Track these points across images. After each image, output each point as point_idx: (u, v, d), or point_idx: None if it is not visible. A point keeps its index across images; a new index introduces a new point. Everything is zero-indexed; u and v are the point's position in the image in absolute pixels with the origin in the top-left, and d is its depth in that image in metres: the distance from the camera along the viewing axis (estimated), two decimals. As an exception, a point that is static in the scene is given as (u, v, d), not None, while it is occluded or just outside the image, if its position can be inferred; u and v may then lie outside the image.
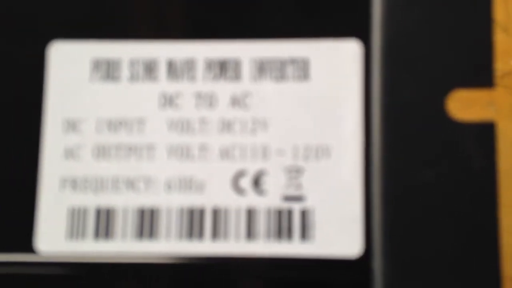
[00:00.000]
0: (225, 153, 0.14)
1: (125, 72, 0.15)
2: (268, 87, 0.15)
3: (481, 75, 0.14)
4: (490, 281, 0.13)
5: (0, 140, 0.15)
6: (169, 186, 0.14)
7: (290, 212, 0.14)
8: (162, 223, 0.14)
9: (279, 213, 0.14)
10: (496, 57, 0.15)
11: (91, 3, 0.15)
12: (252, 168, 0.14)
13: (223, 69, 0.15)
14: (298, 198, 0.14)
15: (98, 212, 0.14)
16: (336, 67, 0.15)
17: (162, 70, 0.15)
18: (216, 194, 0.14)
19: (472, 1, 0.15)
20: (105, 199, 0.14)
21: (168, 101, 0.15)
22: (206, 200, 0.14)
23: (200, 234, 0.14)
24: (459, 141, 0.14)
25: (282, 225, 0.14)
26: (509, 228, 0.14)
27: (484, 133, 0.14)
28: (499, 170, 0.14)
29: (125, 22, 0.15)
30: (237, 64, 0.15)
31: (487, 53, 0.14)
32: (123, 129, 0.14)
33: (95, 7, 0.15)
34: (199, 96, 0.15)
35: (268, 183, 0.14)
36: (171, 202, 0.14)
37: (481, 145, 0.14)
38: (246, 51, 0.15)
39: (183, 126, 0.15)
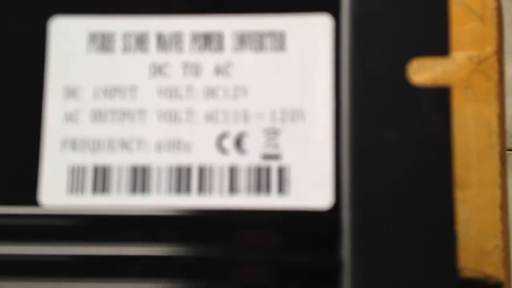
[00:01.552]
0: (210, 117, 0.15)
1: (118, 44, 0.15)
2: (248, 57, 0.15)
3: (437, 45, 0.15)
4: (444, 225, 0.14)
5: (6, 106, 0.15)
6: (159, 147, 0.15)
7: (268, 169, 0.15)
8: (153, 180, 0.15)
9: (259, 170, 0.15)
10: (473, 44, 0.15)
11: None
12: (234, 130, 0.15)
13: (208, 41, 0.15)
14: (275, 157, 0.15)
15: (96, 170, 0.15)
16: (309, 40, 0.15)
17: (152, 42, 0.15)
18: (202, 154, 0.15)
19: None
20: (102, 158, 0.15)
21: (158, 70, 0.15)
22: (192, 159, 0.15)
23: (188, 189, 0.15)
24: (418, 103, 0.15)
25: (261, 181, 0.15)
26: (462, 182, 0.15)
27: (440, 96, 0.15)
28: (453, 129, 0.15)
29: (118, -2, 0.16)
30: (220, 37, 0.15)
31: (443, 25, 0.15)
32: (117, 96, 0.15)
33: None
34: (185, 65, 0.15)
35: (248, 143, 0.15)
36: (161, 161, 0.15)
37: (437, 107, 0.15)
38: (228, 25, 0.15)
39: (171, 92, 0.15)
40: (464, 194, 0.15)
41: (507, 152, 0.16)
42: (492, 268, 0.15)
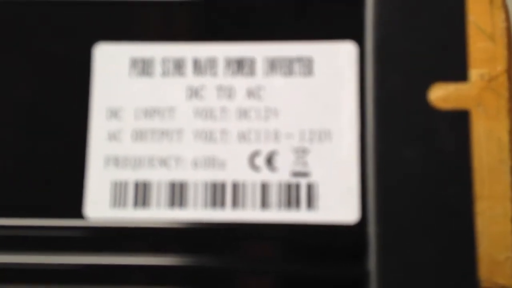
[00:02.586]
0: (242, 137, 0.16)
1: (158, 68, 0.16)
2: (278, 81, 0.16)
3: (455, 68, 0.16)
4: (464, 238, 0.15)
5: (55, 126, 0.16)
6: (195, 164, 0.16)
7: (297, 186, 0.15)
8: (190, 195, 0.15)
9: (289, 186, 0.15)
10: (484, 63, 0.16)
11: (129, 12, 0.16)
12: (265, 148, 0.16)
13: (240, 66, 0.16)
14: (304, 174, 0.15)
15: (137, 185, 0.15)
16: (335, 65, 0.16)
17: (189, 67, 0.16)
18: (235, 171, 0.15)
19: (455, 9, 0.16)
20: (142, 175, 0.15)
21: (194, 93, 0.16)
22: (226, 176, 0.15)
23: (222, 204, 0.15)
24: (437, 124, 0.16)
25: (291, 197, 0.15)
26: (475, 196, 0.16)
27: (458, 117, 0.15)
28: (472, 149, 0.16)
29: (157, 26, 0.16)
30: (252, 62, 0.16)
31: (462, 53, 0.16)
32: (156, 116, 0.16)
33: (132, 14, 0.16)
34: (220, 88, 0.16)
35: (279, 161, 0.15)
36: (197, 177, 0.15)
37: (455, 128, 0.16)
38: (260, 51, 0.16)
39: (207, 113, 0.16)
40: (477, 207, 0.15)
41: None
42: (504, 279, 0.15)
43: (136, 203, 0.15)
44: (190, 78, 0.16)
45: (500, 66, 0.16)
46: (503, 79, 0.16)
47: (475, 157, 0.15)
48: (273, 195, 0.15)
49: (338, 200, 0.15)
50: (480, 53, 0.16)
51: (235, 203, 0.15)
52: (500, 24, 0.16)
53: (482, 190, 0.15)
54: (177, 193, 0.15)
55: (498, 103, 0.16)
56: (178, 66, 0.16)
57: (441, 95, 0.16)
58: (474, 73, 0.16)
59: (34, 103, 0.16)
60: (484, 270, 0.15)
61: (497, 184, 0.15)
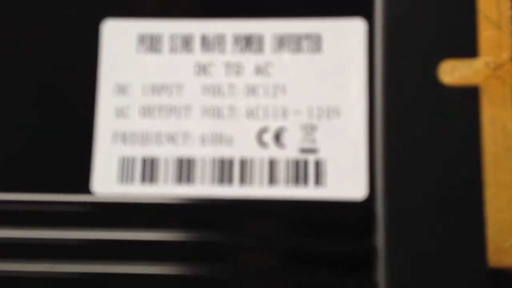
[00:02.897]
0: (250, 113, 0.16)
1: (165, 45, 0.16)
2: (286, 58, 0.16)
3: (464, 47, 0.16)
4: (473, 224, 0.15)
5: (62, 102, 0.16)
6: (203, 140, 0.16)
7: (306, 162, 0.15)
8: (198, 171, 0.15)
9: (297, 163, 0.15)
10: (490, 51, 0.16)
11: None
12: (273, 125, 0.16)
13: (248, 43, 0.16)
14: (312, 151, 0.15)
15: (144, 161, 0.15)
16: (344, 42, 0.16)
17: (197, 43, 0.16)
18: (243, 147, 0.15)
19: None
20: (150, 151, 0.15)
21: (202, 69, 0.16)
22: (234, 152, 0.15)
23: (230, 180, 0.15)
24: (447, 101, 0.15)
25: (299, 173, 0.15)
26: (487, 182, 0.15)
27: (468, 95, 0.15)
28: (481, 124, 0.16)
29: (165, 3, 0.16)
30: (260, 39, 0.16)
31: (471, 29, 0.16)
32: (164, 93, 0.16)
33: None
34: (228, 65, 0.16)
35: (287, 138, 0.15)
36: (205, 153, 0.15)
37: (465, 105, 0.15)
38: (268, 27, 0.16)
39: (215, 90, 0.16)
40: (483, 195, 0.15)
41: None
42: (510, 264, 0.15)
43: (143, 179, 0.15)
44: (198, 55, 0.16)
45: (506, 54, 0.16)
46: (509, 67, 0.16)
47: (483, 144, 0.15)
48: (281, 172, 0.15)
49: (346, 176, 0.15)
50: (486, 41, 0.16)
51: (242, 180, 0.15)
52: (506, 12, 0.16)
53: (488, 178, 0.15)
54: (185, 169, 0.15)
55: (504, 90, 0.15)
56: (186, 42, 0.16)
57: (451, 70, 0.16)
58: (480, 60, 0.16)
59: (43, 80, 0.16)
60: (490, 257, 0.15)
61: (503, 172, 0.15)
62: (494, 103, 0.15)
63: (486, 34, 0.16)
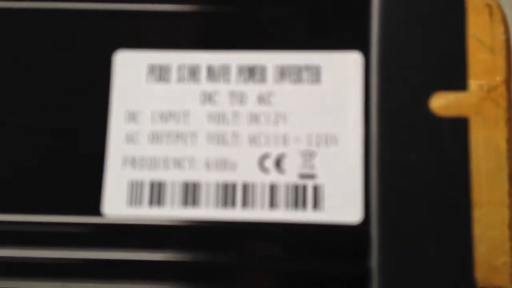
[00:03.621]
0: (253, 140, 0.16)
1: (173, 75, 0.17)
2: (287, 88, 0.16)
3: (456, 79, 0.16)
4: (462, 242, 0.15)
5: (76, 127, 0.16)
6: (208, 165, 0.16)
7: (304, 187, 0.16)
8: (203, 194, 0.16)
9: (296, 188, 0.16)
10: (484, 74, 0.16)
11: (147, 21, 0.17)
12: (274, 151, 0.16)
13: (252, 73, 0.17)
14: (311, 176, 0.16)
15: (152, 185, 0.16)
16: (342, 73, 0.16)
17: (203, 73, 0.17)
18: (245, 172, 0.16)
19: (456, 23, 0.17)
20: (158, 175, 0.16)
21: (208, 98, 0.16)
22: (237, 177, 0.16)
23: (233, 204, 0.16)
24: (438, 131, 0.16)
25: (298, 198, 0.16)
26: (474, 202, 0.16)
27: (458, 125, 0.16)
28: (471, 155, 0.16)
29: (174, 35, 0.17)
30: (263, 70, 0.17)
31: (462, 59, 0.16)
32: (172, 120, 0.16)
33: (150, 24, 0.17)
34: (232, 94, 0.16)
35: (287, 164, 0.16)
36: (209, 178, 0.16)
37: (455, 134, 0.16)
38: (270, 59, 0.17)
39: (219, 118, 0.16)
40: (476, 213, 0.15)
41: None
42: (501, 283, 0.15)
43: (151, 202, 0.16)
44: (204, 84, 0.16)
45: (499, 77, 0.16)
46: (502, 89, 0.16)
47: (475, 165, 0.16)
48: (281, 196, 0.16)
49: (343, 201, 0.16)
50: (480, 64, 0.16)
51: (245, 203, 0.16)
52: (500, 36, 0.16)
53: (480, 197, 0.16)
54: (190, 193, 0.16)
55: (497, 112, 0.16)
56: (193, 72, 0.17)
57: (442, 103, 0.16)
58: (474, 83, 0.16)
59: (58, 106, 0.17)
60: (482, 274, 0.15)
61: (495, 191, 0.16)
62: (487, 124, 0.16)
63: (480, 57, 0.16)
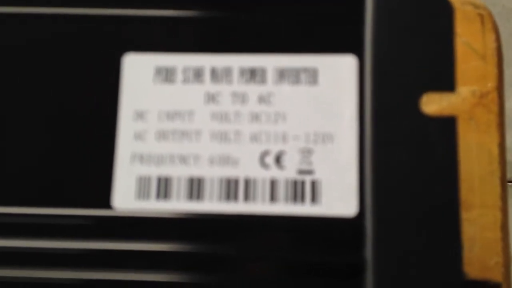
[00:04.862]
0: (254, 138, 0.17)
1: (179, 76, 0.17)
2: (286, 89, 0.17)
3: (444, 82, 0.17)
4: (450, 241, 0.16)
5: (88, 126, 0.17)
6: (211, 162, 0.16)
7: (303, 183, 0.16)
8: (207, 189, 0.16)
9: (295, 183, 0.16)
10: (476, 80, 0.16)
11: (154, 25, 0.17)
12: (274, 149, 0.17)
13: (253, 75, 0.17)
14: (309, 172, 0.16)
15: (159, 180, 0.16)
16: (338, 75, 0.17)
17: (207, 75, 0.17)
18: (247, 168, 0.16)
19: (446, 30, 0.17)
20: (164, 170, 0.16)
21: (211, 98, 0.17)
22: (239, 173, 0.16)
23: (235, 198, 0.16)
24: (428, 130, 0.16)
25: (297, 192, 0.16)
26: (467, 204, 0.16)
27: (447, 125, 0.16)
28: (459, 156, 0.17)
29: (180, 39, 0.17)
30: (263, 72, 0.17)
31: (450, 63, 0.17)
32: (177, 119, 0.17)
33: (157, 28, 0.17)
34: (234, 95, 0.17)
35: (286, 160, 0.16)
36: (213, 174, 0.16)
37: (444, 134, 0.16)
38: (270, 62, 0.17)
39: (222, 117, 0.17)
40: (469, 214, 0.16)
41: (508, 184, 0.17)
42: (493, 282, 0.16)
43: (158, 196, 0.16)
44: (208, 85, 0.17)
45: (491, 84, 0.16)
46: (494, 95, 0.16)
47: (467, 168, 0.16)
48: (281, 191, 0.16)
49: (339, 195, 0.16)
50: (472, 71, 0.16)
51: (246, 197, 0.16)
52: (491, 44, 0.17)
53: (473, 199, 0.16)
54: (195, 188, 0.16)
55: (489, 118, 0.16)
56: (197, 74, 0.17)
57: (433, 105, 0.17)
58: (466, 89, 0.16)
59: (70, 105, 0.17)
60: (475, 273, 0.16)
61: (487, 194, 0.16)
62: (480, 129, 0.16)
63: (472, 64, 0.16)
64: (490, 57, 0.16)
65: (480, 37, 0.16)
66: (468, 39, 0.16)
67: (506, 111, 0.17)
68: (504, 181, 0.16)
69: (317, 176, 0.16)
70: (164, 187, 0.16)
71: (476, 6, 0.17)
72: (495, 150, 0.16)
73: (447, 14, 0.17)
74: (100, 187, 0.16)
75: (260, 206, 0.16)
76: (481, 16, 0.17)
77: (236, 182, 0.16)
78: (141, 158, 0.17)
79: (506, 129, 0.17)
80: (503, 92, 0.17)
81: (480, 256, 0.15)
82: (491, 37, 0.16)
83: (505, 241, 0.16)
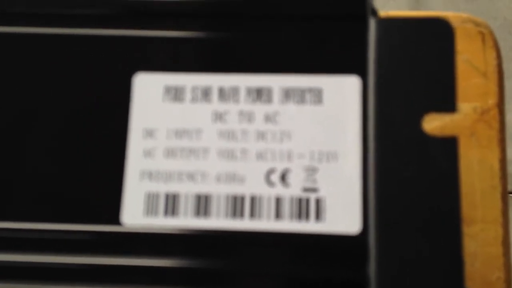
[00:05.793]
0: (260, 156, 0.17)
1: (187, 95, 0.17)
2: (292, 108, 0.17)
3: (446, 101, 0.17)
4: (452, 256, 0.16)
5: (99, 143, 0.17)
6: (218, 179, 0.17)
7: (307, 200, 0.16)
8: (213, 206, 0.16)
9: (300, 200, 0.16)
10: (477, 97, 0.17)
11: (164, 46, 0.18)
12: (280, 167, 0.17)
13: (259, 94, 0.17)
14: (313, 190, 0.16)
15: (167, 197, 0.16)
16: (342, 95, 0.17)
17: (215, 94, 0.17)
18: (253, 186, 0.16)
19: (447, 49, 0.18)
20: (172, 187, 0.17)
21: (219, 117, 0.17)
22: (245, 190, 0.16)
23: (241, 215, 0.16)
24: (430, 149, 0.17)
25: (301, 210, 0.16)
26: (469, 219, 0.17)
27: (449, 143, 0.17)
28: (460, 172, 0.17)
29: (188, 59, 0.17)
30: (269, 91, 0.17)
31: (451, 83, 0.17)
32: (185, 137, 0.17)
33: (167, 49, 0.18)
34: (241, 113, 0.17)
35: (291, 178, 0.16)
36: (220, 191, 0.16)
37: (446, 152, 0.17)
38: (276, 81, 0.17)
39: (229, 135, 0.17)
40: (470, 230, 0.16)
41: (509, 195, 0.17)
42: None
43: (166, 212, 0.16)
44: (215, 104, 0.17)
45: (492, 100, 0.17)
46: (495, 112, 0.16)
47: (468, 183, 0.16)
48: (286, 208, 0.16)
49: (343, 213, 0.16)
50: (473, 88, 0.17)
51: (252, 214, 0.16)
52: (492, 61, 0.17)
53: (475, 214, 0.16)
54: (202, 204, 0.16)
55: (490, 134, 0.16)
56: (205, 93, 0.17)
57: (435, 123, 0.17)
58: (468, 106, 0.17)
59: (82, 123, 0.17)
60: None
61: (489, 209, 0.16)
62: (481, 145, 0.16)
63: (473, 81, 0.17)
64: (491, 74, 0.16)
65: (481, 55, 0.17)
66: (469, 57, 0.16)
67: (507, 124, 0.17)
68: (505, 196, 0.16)
69: (321, 193, 0.16)
70: (172, 204, 0.16)
71: (477, 24, 0.17)
72: (496, 165, 0.16)
73: (447, 33, 0.17)
74: (109, 203, 0.16)
75: (266, 223, 0.16)
76: (482, 34, 0.17)
77: (242, 199, 0.16)
78: (150, 175, 0.17)
79: (506, 141, 0.17)
80: (504, 108, 0.17)
81: (482, 271, 0.15)
82: (492, 54, 0.17)
83: (506, 256, 0.16)
